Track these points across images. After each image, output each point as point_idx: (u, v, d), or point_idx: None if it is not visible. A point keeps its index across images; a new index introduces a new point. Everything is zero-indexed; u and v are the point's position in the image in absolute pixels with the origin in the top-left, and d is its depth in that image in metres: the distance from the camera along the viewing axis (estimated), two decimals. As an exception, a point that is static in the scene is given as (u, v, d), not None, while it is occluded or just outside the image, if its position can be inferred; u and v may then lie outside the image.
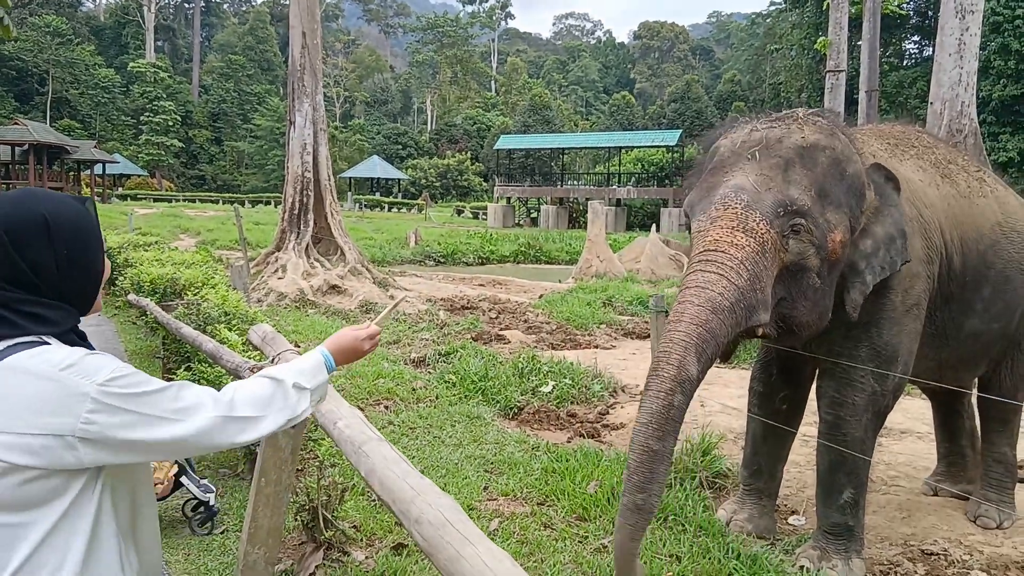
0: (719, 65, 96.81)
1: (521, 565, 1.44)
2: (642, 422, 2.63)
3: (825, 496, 3.61)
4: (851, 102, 26.60)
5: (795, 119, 3.28)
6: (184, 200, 53.40)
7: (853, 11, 23.14)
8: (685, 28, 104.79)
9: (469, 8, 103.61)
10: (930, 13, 39.05)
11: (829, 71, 21.81)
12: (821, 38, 23.89)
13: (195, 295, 6.39)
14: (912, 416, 6.27)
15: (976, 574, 3.60)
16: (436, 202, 61.05)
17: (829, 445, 3.53)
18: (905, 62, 44.17)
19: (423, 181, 64.44)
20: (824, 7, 23.57)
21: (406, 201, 59.47)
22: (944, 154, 4.07)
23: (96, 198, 46.01)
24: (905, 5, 37.30)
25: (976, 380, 4.51)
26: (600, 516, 4.09)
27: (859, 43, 24.22)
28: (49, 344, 1.36)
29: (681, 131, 43.40)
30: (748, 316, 2.88)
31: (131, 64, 66.02)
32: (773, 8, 61.66)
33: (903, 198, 3.43)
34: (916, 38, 44.74)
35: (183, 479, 4.06)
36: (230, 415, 1.42)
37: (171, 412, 1.36)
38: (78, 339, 1.43)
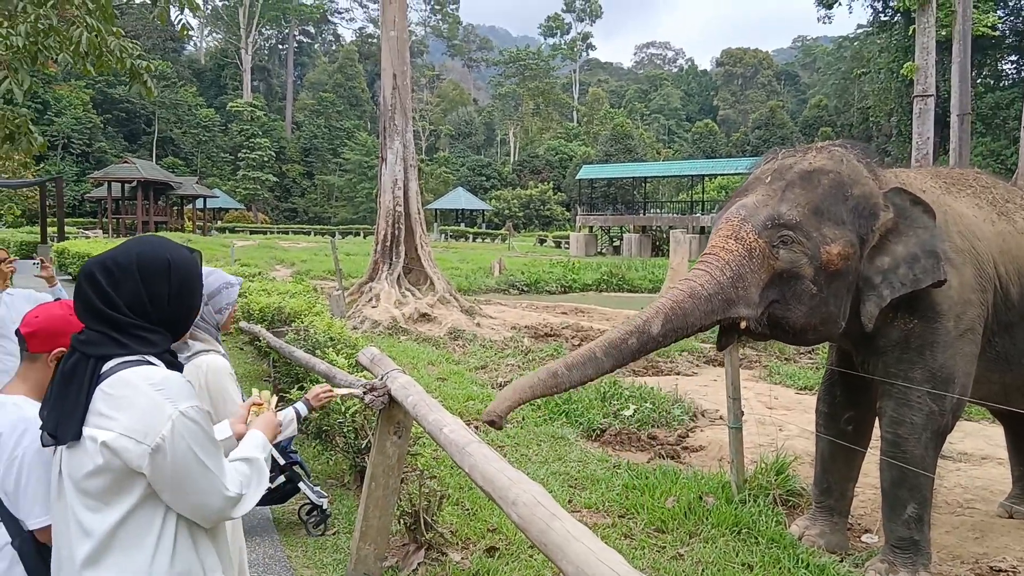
0: (804, 90, 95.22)
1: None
2: (600, 341, 3.23)
3: (890, 511, 3.82)
4: (944, 125, 25.95)
5: (813, 149, 3.76)
6: (278, 232, 55.53)
7: (943, 33, 22.70)
8: (769, 54, 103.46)
9: (551, 40, 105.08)
10: (1027, 32, 37.86)
11: (917, 96, 21.50)
12: (908, 63, 23.54)
13: (301, 323, 6.97)
14: (994, 443, 6.30)
15: (1042, 590, 3.73)
16: (519, 231, 61.80)
17: (891, 462, 3.75)
18: (1002, 83, 42.67)
19: (506, 211, 65.32)
20: (911, 31, 23.23)
21: (490, 231, 60.43)
22: (1002, 194, 4.27)
23: (198, 231, 48.55)
24: (999, 25, 36.25)
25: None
26: (677, 528, 4.38)
27: (952, 64, 23.71)
28: (153, 364, 1.71)
29: (765, 158, 42.84)
30: (726, 308, 3.38)
31: (229, 104, 69.57)
32: (860, 32, 60.38)
33: (953, 230, 3.67)
34: (1013, 58, 43.23)
35: (301, 485, 4.56)
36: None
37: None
38: (172, 358, 1.80)
